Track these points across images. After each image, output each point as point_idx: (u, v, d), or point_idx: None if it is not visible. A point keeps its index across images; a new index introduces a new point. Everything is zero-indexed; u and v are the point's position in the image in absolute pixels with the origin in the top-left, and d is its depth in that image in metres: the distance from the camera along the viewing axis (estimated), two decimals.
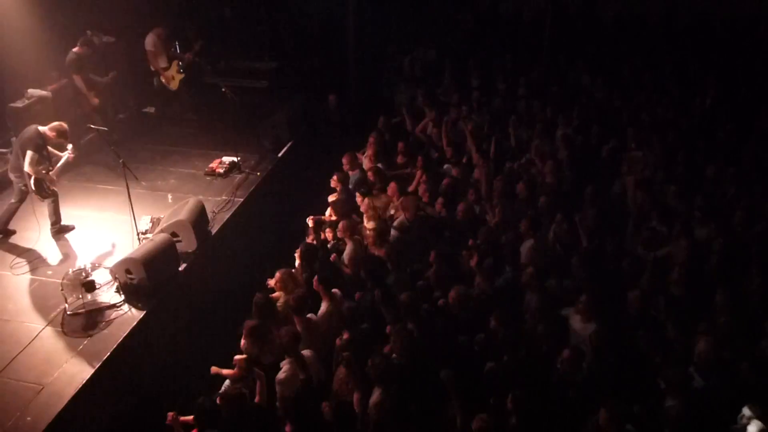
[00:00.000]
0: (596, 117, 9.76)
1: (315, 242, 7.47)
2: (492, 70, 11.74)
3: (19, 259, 7.40)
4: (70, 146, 7.62)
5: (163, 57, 10.28)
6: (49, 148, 7.53)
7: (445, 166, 8.84)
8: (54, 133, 7.42)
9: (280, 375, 5.53)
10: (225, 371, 5.80)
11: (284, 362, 5.63)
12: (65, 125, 7.53)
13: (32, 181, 7.32)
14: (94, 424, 5.81)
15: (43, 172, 7.32)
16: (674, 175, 8.11)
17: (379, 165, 8.65)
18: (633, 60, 11.59)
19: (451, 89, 11.08)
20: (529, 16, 13.38)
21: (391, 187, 8.03)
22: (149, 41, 10.13)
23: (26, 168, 7.25)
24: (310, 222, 7.65)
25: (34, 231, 7.74)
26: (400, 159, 9.05)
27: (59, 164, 7.54)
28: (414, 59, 12.44)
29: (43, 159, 7.37)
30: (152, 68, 10.29)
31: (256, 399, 5.52)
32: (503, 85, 11.08)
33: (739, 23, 12.28)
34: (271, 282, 6.76)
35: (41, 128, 7.41)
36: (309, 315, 6.20)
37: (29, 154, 7.20)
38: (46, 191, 7.49)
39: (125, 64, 11.02)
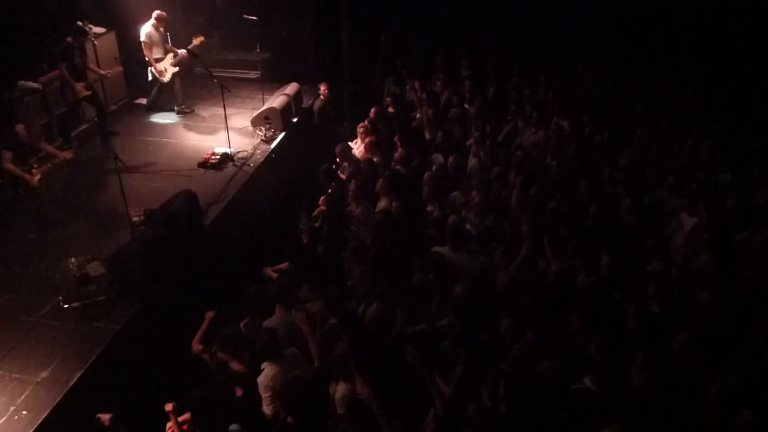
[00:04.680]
0: (588, 105, 9.79)
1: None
2: (484, 58, 11.74)
3: (12, 252, 7.36)
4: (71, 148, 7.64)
5: (158, 48, 10.20)
6: (44, 146, 7.50)
7: (434, 155, 8.83)
8: (24, 131, 7.44)
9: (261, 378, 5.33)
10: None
11: (264, 364, 5.40)
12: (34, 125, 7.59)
13: (7, 178, 7.34)
14: (91, 418, 5.81)
15: (19, 170, 7.30)
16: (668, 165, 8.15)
17: (375, 158, 8.63)
18: (626, 48, 11.60)
19: (443, 78, 11.08)
20: (522, 4, 13.34)
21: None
22: (145, 32, 10.06)
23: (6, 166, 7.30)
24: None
25: (27, 224, 7.72)
26: (398, 153, 9.01)
27: (47, 164, 7.50)
28: (409, 48, 12.42)
29: (23, 157, 7.37)
30: (146, 59, 10.23)
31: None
32: (495, 73, 11.07)
33: (732, 10, 12.29)
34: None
35: (18, 126, 7.45)
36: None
37: (3, 152, 7.28)
38: (19, 189, 7.44)
39: (117, 54, 10.96)
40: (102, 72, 9.77)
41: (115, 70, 10.09)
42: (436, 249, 6.57)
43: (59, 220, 7.84)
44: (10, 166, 7.31)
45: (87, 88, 9.39)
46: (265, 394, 5.26)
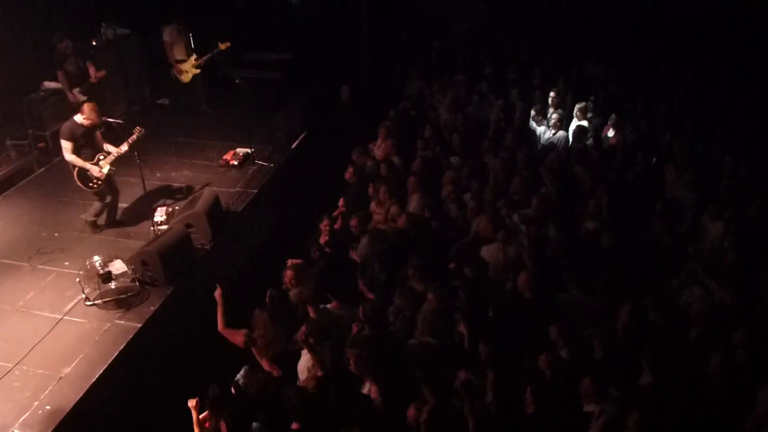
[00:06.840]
0: (611, 108, 9.71)
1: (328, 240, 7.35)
2: (506, 59, 11.70)
3: (37, 251, 7.45)
4: (131, 139, 7.51)
5: (180, 49, 10.25)
6: (99, 135, 7.43)
7: (452, 158, 8.78)
8: (84, 116, 7.21)
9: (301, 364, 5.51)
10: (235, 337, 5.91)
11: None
12: (90, 104, 7.34)
13: (75, 172, 7.31)
14: (113, 413, 5.89)
15: (86, 162, 7.26)
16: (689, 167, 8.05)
17: (395, 159, 8.60)
18: (649, 50, 11.50)
19: (464, 79, 11.05)
20: (545, 6, 13.28)
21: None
22: (168, 32, 10.12)
23: (66, 157, 7.25)
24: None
25: (50, 223, 7.85)
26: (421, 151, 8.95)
27: (111, 156, 7.42)
28: (430, 49, 12.40)
29: (81, 148, 7.27)
30: (168, 59, 10.30)
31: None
32: (515, 75, 11.02)
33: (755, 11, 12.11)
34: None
35: (76, 117, 7.27)
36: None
37: (62, 143, 7.21)
38: (91, 182, 7.37)
39: (140, 55, 11.09)
40: (96, 73, 9.41)
41: (100, 75, 9.63)
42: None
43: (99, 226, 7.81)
44: (73, 158, 7.21)
45: (85, 93, 9.18)
46: (302, 377, 5.45)
